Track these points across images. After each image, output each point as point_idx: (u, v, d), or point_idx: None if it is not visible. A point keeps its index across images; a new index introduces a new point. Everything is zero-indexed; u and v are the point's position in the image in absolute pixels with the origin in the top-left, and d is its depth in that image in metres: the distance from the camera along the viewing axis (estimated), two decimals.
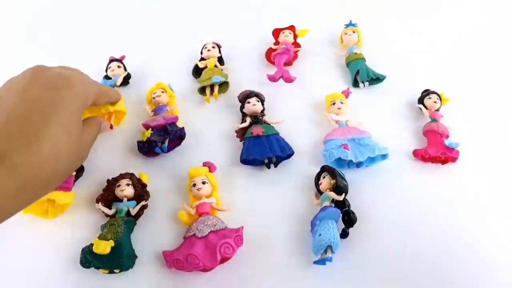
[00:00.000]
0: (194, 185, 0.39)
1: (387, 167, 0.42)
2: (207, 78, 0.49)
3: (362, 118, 0.45)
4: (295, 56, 0.53)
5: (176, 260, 0.34)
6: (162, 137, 0.42)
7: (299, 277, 0.35)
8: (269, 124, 0.44)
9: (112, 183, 0.39)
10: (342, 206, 0.36)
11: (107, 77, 0.52)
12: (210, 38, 0.55)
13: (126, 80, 0.52)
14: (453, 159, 0.42)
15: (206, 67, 0.51)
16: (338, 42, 0.55)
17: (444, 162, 0.42)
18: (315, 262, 0.34)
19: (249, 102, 0.45)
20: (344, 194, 0.37)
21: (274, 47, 0.54)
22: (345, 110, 0.46)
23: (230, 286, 0.35)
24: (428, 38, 0.57)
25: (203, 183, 0.39)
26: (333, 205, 0.37)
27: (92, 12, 0.66)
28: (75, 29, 0.63)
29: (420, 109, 0.46)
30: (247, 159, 0.42)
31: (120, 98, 0.45)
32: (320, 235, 0.34)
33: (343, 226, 0.36)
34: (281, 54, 0.52)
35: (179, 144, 0.44)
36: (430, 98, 0.46)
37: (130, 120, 0.48)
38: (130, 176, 0.40)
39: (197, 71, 0.52)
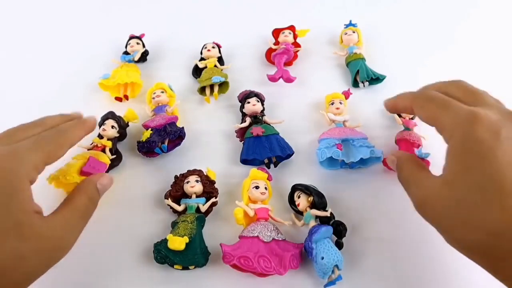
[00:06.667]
0: (257, 187, 0.37)
1: (383, 168, 0.41)
2: (207, 78, 0.49)
3: (361, 118, 0.45)
4: (295, 56, 0.54)
5: (245, 257, 0.32)
6: (162, 137, 0.42)
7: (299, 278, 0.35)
8: (269, 124, 0.44)
9: (181, 179, 0.39)
10: (328, 219, 0.35)
11: (126, 53, 0.54)
12: (210, 38, 0.55)
13: (144, 56, 0.54)
14: None
15: (206, 67, 0.51)
16: (338, 42, 0.55)
17: None
18: (326, 286, 0.33)
19: (249, 102, 0.45)
20: (327, 208, 0.36)
21: (274, 47, 0.54)
22: (344, 110, 0.46)
23: None
24: (428, 38, 0.57)
25: (265, 188, 0.38)
26: (318, 221, 0.36)
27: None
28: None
29: (397, 118, 0.44)
30: (247, 159, 0.42)
31: (89, 128, 0.36)
32: (323, 258, 0.32)
33: (335, 238, 0.35)
34: (281, 54, 0.52)
35: (179, 144, 0.44)
36: None
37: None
38: (199, 172, 0.39)
39: (197, 71, 0.53)
